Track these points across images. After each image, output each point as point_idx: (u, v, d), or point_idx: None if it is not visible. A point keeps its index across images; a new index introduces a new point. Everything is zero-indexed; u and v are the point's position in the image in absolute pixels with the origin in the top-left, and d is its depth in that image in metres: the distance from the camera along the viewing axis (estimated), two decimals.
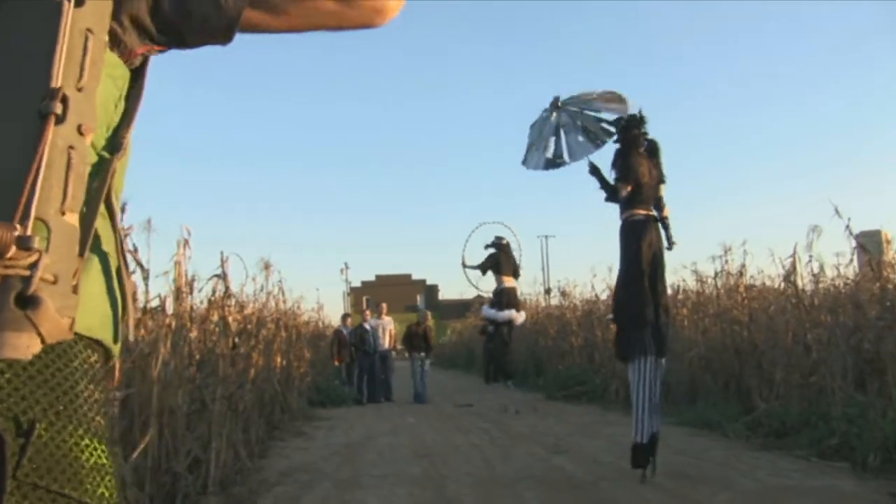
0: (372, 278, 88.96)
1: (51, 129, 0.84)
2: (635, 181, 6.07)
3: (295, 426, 9.72)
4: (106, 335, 0.97)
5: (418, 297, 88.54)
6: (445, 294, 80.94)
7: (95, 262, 0.96)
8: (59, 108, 0.85)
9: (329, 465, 7.09)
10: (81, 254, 0.89)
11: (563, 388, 13.12)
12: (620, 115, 6.51)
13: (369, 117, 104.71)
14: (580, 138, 6.71)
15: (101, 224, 0.97)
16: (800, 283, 8.79)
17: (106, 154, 0.99)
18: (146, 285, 6.16)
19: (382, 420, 10.86)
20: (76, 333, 0.88)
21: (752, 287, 10.24)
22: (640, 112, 6.43)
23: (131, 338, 1.35)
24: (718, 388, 9.40)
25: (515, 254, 12.32)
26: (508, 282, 11.82)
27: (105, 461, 0.90)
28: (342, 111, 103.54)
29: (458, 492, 5.71)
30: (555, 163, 6.91)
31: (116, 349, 1.00)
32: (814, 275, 8.80)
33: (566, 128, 6.83)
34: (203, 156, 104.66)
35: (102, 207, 0.96)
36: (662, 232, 6.22)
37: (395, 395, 14.56)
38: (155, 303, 6.31)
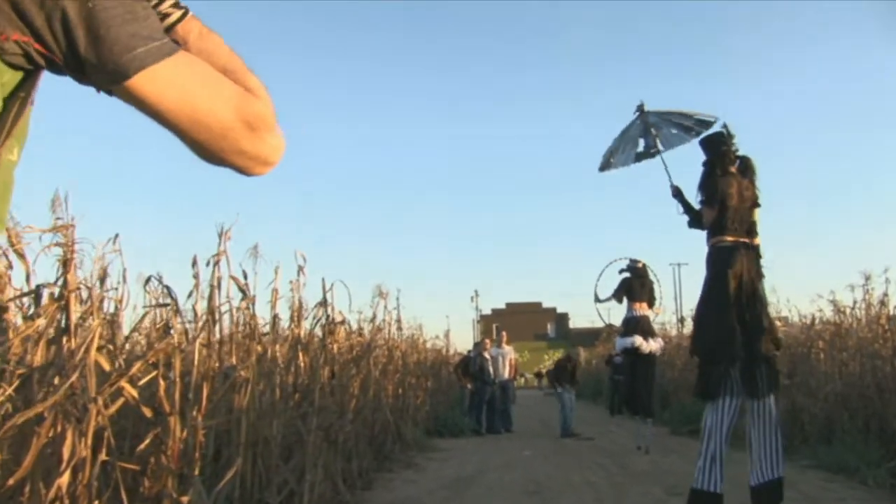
0: (502, 306, 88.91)
1: None
2: (722, 204, 5.46)
3: (407, 457, 9.50)
4: None
5: (548, 326, 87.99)
6: (575, 322, 79.84)
7: None
8: None
9: (434, 499, 6.82)
10: None
11: (689, 422, 12.38)
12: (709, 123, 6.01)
13: (508, 143, 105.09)
14: (674, 131, 6.22)
15: None
16: None
17: None
18: (252, 310, 6.17)
19: (498, 453, 10.52)
20: None
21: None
22: (726, 127, 5.84)
23: None
24: (858, 428, 8.56)
25: (655, 286, 11.55)
26: (641, 309, 11.04)
27: None
28: (478, 133, 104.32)
29: None
30: (648, 153, 6.42)
31: None
32: None
33: (656, 126, 6.36)
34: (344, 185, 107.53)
35: None
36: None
37: (515, 425, 14.19)
38: (265, 329, 6.30)
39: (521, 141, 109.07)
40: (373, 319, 9.49)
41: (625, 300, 11.06)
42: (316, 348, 6.29)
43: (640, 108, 6.42)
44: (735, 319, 5.30)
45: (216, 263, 5.22)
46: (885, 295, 9.29)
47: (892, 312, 9.28)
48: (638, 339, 10.75)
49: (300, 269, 7.01)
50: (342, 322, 6.88)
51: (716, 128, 5.94)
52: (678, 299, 41.95)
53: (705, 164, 5.78)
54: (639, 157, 6.39)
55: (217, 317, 5.24)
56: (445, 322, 75.90)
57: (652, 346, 10.88)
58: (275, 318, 5.89)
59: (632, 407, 11.24)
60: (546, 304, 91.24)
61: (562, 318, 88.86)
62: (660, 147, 6.19)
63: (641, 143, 6.37)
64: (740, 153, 5.77)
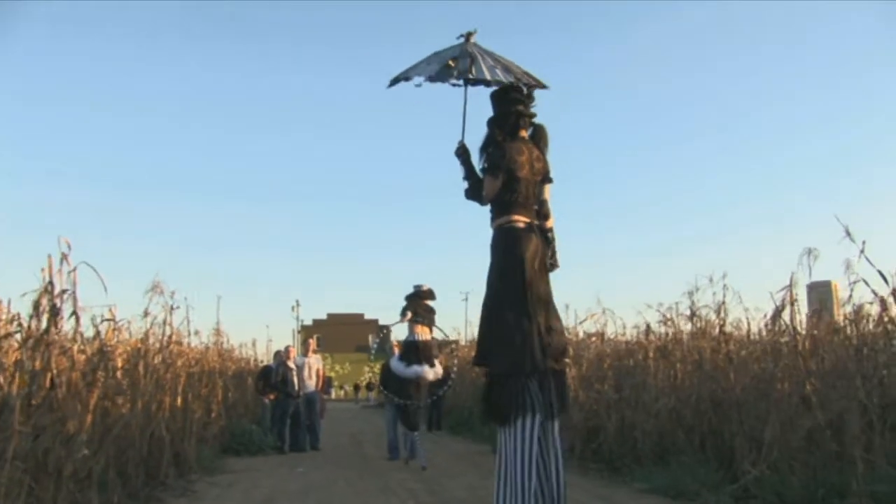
0: (324, 317, 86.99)
1: None
2: (509, 174, 4.46)
3: (183, 483, 7.96)
4: None
5: (370, 337, 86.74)
6: (399, 335, 79.14)
7: None
8: None
9: None
10: None
11: None
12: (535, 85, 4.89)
13: (326, 151, 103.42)
14: (498, 71, 4.96)
15: None
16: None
17: None
18: None
19: (296, 476, 9.13)
20: None
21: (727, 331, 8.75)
22: (526, 87, 4.79)
23: None
24: (694, 447, 7.86)
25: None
26: (423, 333, 10.05)
27: None
28: (294, 141, 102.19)
29: None
30: (454, 72, 4.85)
31: None
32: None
33: (481, 56, 4.92)
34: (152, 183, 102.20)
35: None
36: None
37: (323, 442, 12.83)
38: None
39: (350, 154, 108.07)
40: (145, 317, 7.88)
41: (406, 324, 10.08)
42: (28, 346, 4.71)
43: (467, 36, 5.19)
44: (534, 319, 4.30)
45: None
46: (722, 303, 8.66)
47: (727, 321, 8.69)
48: (420, 370, 9.79)
49: (64, 257, 5.50)
50: (76, 315, 5.30)
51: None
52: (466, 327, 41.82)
53: (491, 121, 4.72)
54: (442, 74, 5.00)
55: None
56: (266, 332, 73.61)
57: (437, 373, 10.08)
58: None
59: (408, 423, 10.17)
60: (368, 316, 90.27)
61: (384, 331, 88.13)
62: (473, 73, 4.91)
63: (453, 62, 4.99)
64: (535, 119, 4.78)
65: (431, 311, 10.28)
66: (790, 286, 7.42)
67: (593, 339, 11.98)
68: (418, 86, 4.98)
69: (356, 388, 60.79)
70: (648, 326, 10.16)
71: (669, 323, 9.95)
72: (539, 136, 4.76)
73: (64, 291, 5.20)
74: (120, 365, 7.28)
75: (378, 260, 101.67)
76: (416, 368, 9.74)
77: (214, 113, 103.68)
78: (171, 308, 8.50)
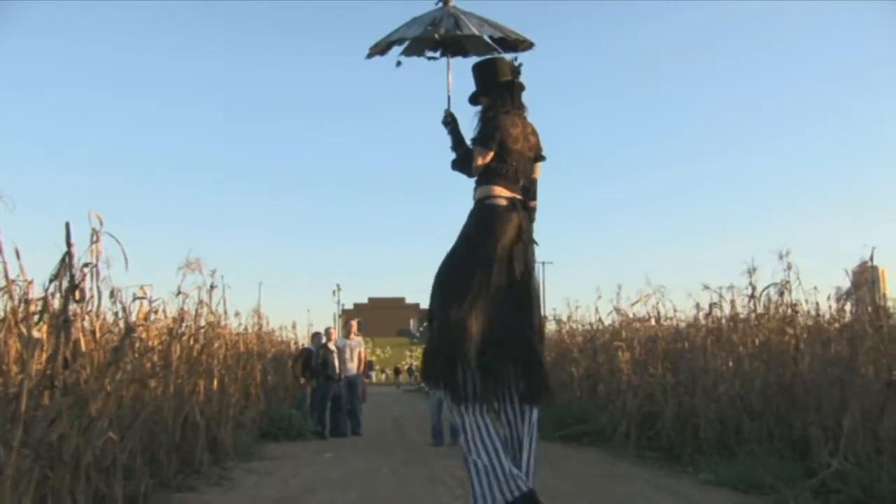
0: (365, 301, 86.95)
1: None
2: (501, 145, 4.09)
3: (218, 471, 7.59)
4: None
5: (411, 321, 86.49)
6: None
7: None
8: None
9: None
10: None
11: (561, 426, 11.00)
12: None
13: (368, 138, 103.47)
14: (486, 31, 4.68)
15: None
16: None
17: None
18: None
19: (337, 462, 8.73)
20: None
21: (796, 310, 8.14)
22: (516, 59, 4.48)
23: None
24: (763, 436, 7.29)
25: None
26: None
27: None
28: (336, 129, 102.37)
29: None
30: (439, 32, 4.64)
31: None
32: None
33: (465, 16, 4.71)
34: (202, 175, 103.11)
35: None
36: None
37: (364, 427, 12.44)
38: None
39: (390, 141, 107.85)
40: (178, 295, 7.48)
41: None
42: (51, 324, 4.30)
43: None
44: (484, 309, 3.84)
45: None
46: (787, 282, 8.07)
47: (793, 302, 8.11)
48: None
49: (94, 232, 5.11)
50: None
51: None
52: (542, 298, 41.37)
53: (480, 93, 4.37)
54: (418, 46, 4.78)
55: None
56: (306, 316, 73.82)
57: None
58: None
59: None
60: (409, 300, 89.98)
61: (426, 314, 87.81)
62: (462, 31, 4.63)
63: (437, 32, 4.66)
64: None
65: None
66: (870, 262, 6.87)
67: (640, 321, 11.52)
68: (399, 64, 4.88)
69: (397, 371, 60.81)
70: (711, 306, 9.51)
71: (724, 304, 9.40)
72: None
73: (87, 265, 4.81)
74: (153, 346, 6.92)
75: (418, 244, 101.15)
76: None
77: (256, 102, 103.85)
78: (211, 287, 8.12)
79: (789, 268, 7.97)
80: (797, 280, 8.01)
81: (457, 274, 3.96)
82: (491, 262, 3.90)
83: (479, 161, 4.12)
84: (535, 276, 4.11)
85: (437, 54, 4.92)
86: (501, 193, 4.09)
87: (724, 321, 9.42)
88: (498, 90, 4.29)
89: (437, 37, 4.65)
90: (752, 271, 8.85)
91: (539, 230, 4.32)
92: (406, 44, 4.87)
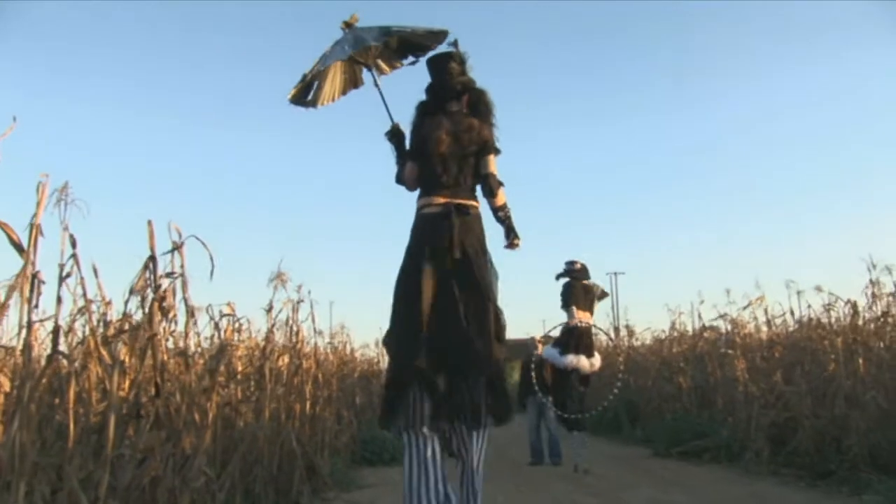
0: None
1: None
2: (422, 154, 4.00)
3: (318, 502, 6.95)
4: None
5: None
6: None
7: None
8: None
9: None
10: None
11: (677, 441, 10.11)
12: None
13: None
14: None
15: None
16: None
17: None
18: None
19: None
20: None
21: None
22: (456, 44, 4.29)
23: None
24: None
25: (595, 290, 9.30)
26: (584, 318, 8.76)
27: None
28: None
29: None
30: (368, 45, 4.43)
31: None
32: None
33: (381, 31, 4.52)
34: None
35: None
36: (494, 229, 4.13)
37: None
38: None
39: None
40: (269, 311, 6.85)
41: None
42: (134, 346, 3.67)
43: (349, 24, 4.48)
44: (423, 322, 3.67)
45: None
46: None
47: None
48: (575, 360, 8.52)
49: (176, 246, 4.53)
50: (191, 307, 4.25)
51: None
52: (615, 308, 40.10)
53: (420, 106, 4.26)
54: (357, 43, 4.41)
55: None
56: (379, 332, 73.60)
57: (594, 365, 8.78)
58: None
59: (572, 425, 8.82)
60: None
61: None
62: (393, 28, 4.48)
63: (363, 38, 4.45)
64: (475, 84, 4.20)
65: (589, 292, 9.03)
66: None
67: (750, 325, 10.81)
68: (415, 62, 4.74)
69: None
70: (827, 308, 8.73)
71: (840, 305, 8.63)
72: (479, 103, 4.18)
73: (170, 274, 4.19)
74: (240, 368, 6.33)
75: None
76: (570, 358, 8.51)
77: (335, 116, 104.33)
78: (297, 303, 7.50)
79: None
80: None
81: (396, 288, 3.91)
82: (420, 274, 3.75)
83: (407, 174, 4.11)
84: (485, 281, 3.85)
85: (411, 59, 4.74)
86: (433, 201, 3.96)
87: (860, 322, 8.54)
88: (426, 94, 4.23)
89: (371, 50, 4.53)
90: (870, 268, 8.24)
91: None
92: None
